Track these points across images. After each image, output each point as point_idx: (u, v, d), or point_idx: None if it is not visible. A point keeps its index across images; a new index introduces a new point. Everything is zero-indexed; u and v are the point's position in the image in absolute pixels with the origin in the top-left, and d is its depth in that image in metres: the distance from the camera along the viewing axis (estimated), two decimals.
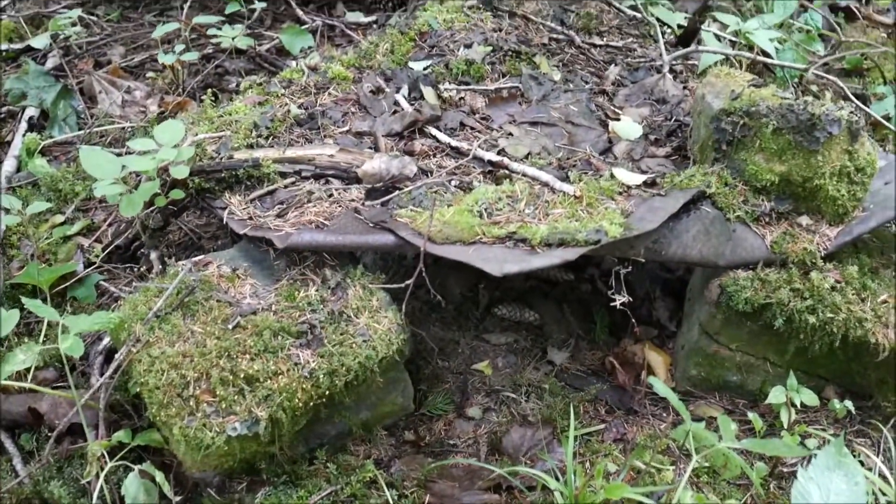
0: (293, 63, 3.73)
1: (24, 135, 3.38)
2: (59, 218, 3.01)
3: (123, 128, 3.39)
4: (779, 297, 2.49)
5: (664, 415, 2.74)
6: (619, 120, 2.97)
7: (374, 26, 4.08)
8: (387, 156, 2.63)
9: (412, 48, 3.26)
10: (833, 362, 2.61)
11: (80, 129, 3.47)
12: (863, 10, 4.55)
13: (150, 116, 3.40)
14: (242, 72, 3.71)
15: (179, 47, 3.45)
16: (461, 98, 3.03)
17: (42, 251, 2.88)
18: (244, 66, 3.73)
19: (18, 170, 3.27)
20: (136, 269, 2.84)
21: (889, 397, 2.66)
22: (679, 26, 3.65)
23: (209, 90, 3.46)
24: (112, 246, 2.85)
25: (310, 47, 3.76)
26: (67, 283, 2.77)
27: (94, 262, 2.82)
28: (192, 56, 3.42)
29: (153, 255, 2.79)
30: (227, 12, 3.29)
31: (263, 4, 3.57)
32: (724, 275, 2.56)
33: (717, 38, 3.59)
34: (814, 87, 3.81)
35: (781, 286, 2.50)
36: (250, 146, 2.76)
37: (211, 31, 3.38)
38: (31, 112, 3.50)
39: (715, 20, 3.72)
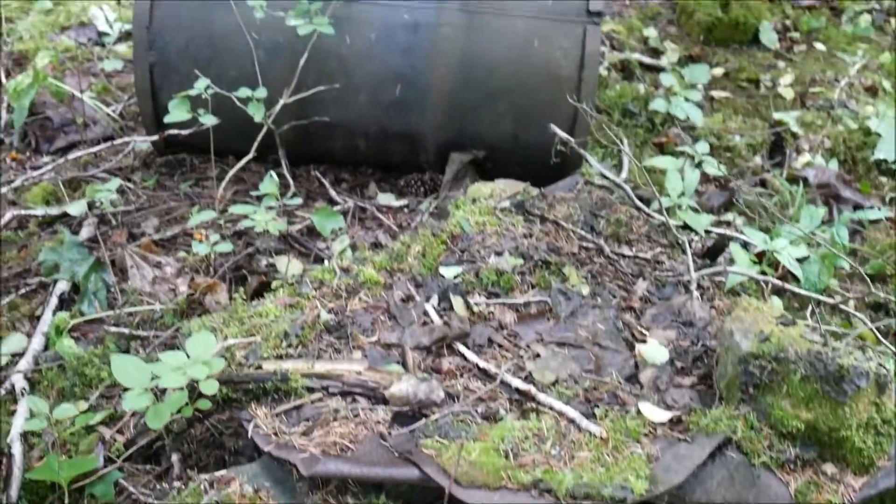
0: (323, 245, 3.81)
1: (53, 311, 3.41)
2: (83, 405, 3.01)
3: (153, 309, 3.43)
4: None
5: None
6: (645, 342, 2.99)
7: (406, 210, 4.15)
8: (414, 378, 2.65)
9: (443, 251, 3.31)
10: None
11: (109, 305, 3.51)
12: (886, 211, 4.61)
13: (180, 298, 3.45)
14: (273, 252, 3.77)
15: (214, 236, 3.51)
16: (490, 312, 3.06)
17: (63, 440, 2.88)
18: (275, 247, 3.80)
19: (46, 347, 3.29)
20: (155, 469, 2.83)
21: None
22: (707, 232, 3.71)
23: (239, 279, 3.52)
24: (134, 446, 2.85)
25: (340, 228, 3.81)
26: (87, 480, 2.76)
27: (115, 460, 2.82)
28: (227, 248, 3.48)
29: (174, 458, 2.79)
30: (263, 205, 3.36)
31: (300, 201, 3.64)
32: None
33: (745, 247, 3.63)
34: (837, 297, 3.83)
35: None
36: (279, 356, 2.79)
37: (245, 222, 3.45)
38: (63, 286, 3.53)
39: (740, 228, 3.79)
